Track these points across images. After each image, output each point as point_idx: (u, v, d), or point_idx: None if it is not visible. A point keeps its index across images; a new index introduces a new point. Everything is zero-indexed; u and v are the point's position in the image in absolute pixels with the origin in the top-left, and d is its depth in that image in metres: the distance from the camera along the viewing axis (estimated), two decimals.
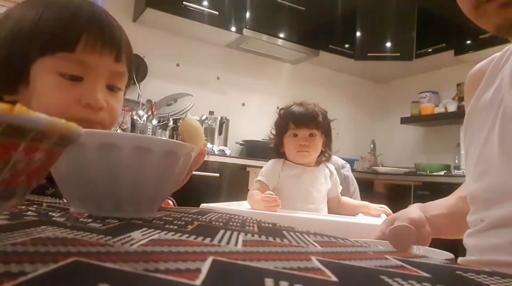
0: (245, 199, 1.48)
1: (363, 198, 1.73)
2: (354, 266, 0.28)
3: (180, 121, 2.72)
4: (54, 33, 0.54)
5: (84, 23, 0.56)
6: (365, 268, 0.27)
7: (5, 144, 0.22)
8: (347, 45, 3.42)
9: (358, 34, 3.44)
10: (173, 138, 2.74)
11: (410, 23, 3.29)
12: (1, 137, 0.22)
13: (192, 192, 2.31)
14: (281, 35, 3.11)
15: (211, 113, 3.03)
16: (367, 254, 0.32)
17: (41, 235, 0.27)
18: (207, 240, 0.31)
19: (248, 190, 1.69)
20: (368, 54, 3.41)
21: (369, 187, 3.12)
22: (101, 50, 0.56)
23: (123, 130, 2.51)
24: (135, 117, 2.63)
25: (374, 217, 1.38)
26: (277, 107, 3.30)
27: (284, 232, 0.40)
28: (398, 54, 3.34)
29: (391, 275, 0.26)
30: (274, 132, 1.56)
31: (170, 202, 1.23)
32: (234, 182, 2.56)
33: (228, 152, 2.84)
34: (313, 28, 3.25)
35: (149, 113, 2.70)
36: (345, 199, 1.61)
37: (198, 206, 1.06)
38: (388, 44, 3.39)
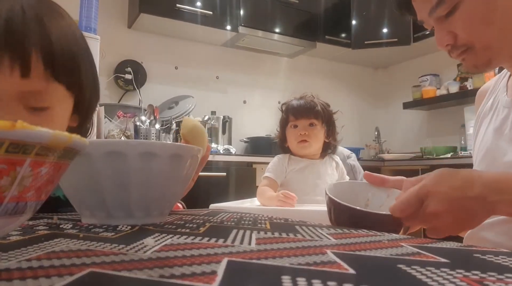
0: (253, 196, 1.48)
1: None
2: (370, 256, 0.27)
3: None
4: None
5: None
6: (381, 257, 0.27)
7: (10, 161, 0.22)
8: (343, 35, 3.40)
9: (353, 22, 3.41)
10: (177, 141, 2.74)
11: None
12: (5, 154, 0.22)
13: (200, 193, 2.32)
14: (277, 30, 3.10)
15: (213, 113, 3.02)
16: (382, 242, 0.32)
17: (54, 248, 0.27)
18: (220, 241, 0.30)
19: (256, 187, 1.69)
20: (365, 42, 3.38)
21: None
22: None
23: (127, 136, 2.52)
24: (137, 123, 2.63)
25: None
26: (279, 102, 3.31)
27: (297, 227, 0.39)
28: (396, 40, 3.31)
29: (408, 263, 0.26)
30: (279, 126, 1.57)
31: (180, 205, 1.23)
32: (241, 180, 2.56)
33: (233, 150, 2.84)
34: (308, 20, 3.23)
35: (151, 117, 2.70)
36: None
37: (207, 207, 1.06)
38: (385, 30, 3.36)
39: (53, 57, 0.45)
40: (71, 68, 0.49)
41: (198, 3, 2.80)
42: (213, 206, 1.13)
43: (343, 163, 1.63)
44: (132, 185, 0.41)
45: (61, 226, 0.39)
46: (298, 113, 1.47)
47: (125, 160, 0.39)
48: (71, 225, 0.40)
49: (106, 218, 0.42)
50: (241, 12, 2.95)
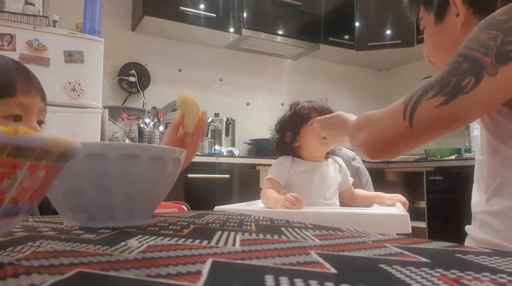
0: (257, 198, 1.48)
1: (375, 188, 1.72)
2: (353, 256, 0.28)
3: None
4: None
5: (17, 73, 0.67)
6: (364, 258, 0.28)
7: (12, 164, 0.23)
8: (346, 36, 3.39)
9: (357, 24, 3.41)
10: None
11: (403, 10, 3.24)
12: (7, 158, 0.23)
13: (204, 195, 2.33)
14: (280, 32, 3.10)
15: (216, 115, 3.04)
16: (366, 243, 0.33)
17: (40, 249, 0.28)
18: (204, 243, 0.31)
19: (260, 188, 1.69)
20: (369, 44, 3.37)
21: (380, 177, 3.10)
22: (33, 93, 0.67)
23: (131, 139, 2.53)
24: (141, 125, 2.65)
25: (389, 206, 1.37)
26: (282, 104, 3.32)
27: (282, 229, 0.40)
28: (399, 41, 3.30)
29: (390, 262, 0.26)
30: (285, 126, 1.54)
31: (184, 207, 1.24)
32: (245, 182, 2.56)
33: (236, 152, 2.85)
34: (312, 22, 3.24)
35: (155, 120, 2.72)
36: (358, 191, 1.60)
37: (212, 209, 1.06)
38: (388, 32, 3.35)
39: (44, 94, 0.72)
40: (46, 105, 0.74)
41: (202, 6, 2.81)
42: (217, 208, 1.14)
43: (348, 164, 1.63)
44: (113, 187, 0.41)
45: (38, 229, 0.40)
46: (322, 111, 1.46)
47: (106, 162, 0.40)
48: (48, 228, 0.41)
49: (88, 221, 0.42)
50: (244, 14, 2.96)
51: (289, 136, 1.52)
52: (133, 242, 0.31)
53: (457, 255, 0.29)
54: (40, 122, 0.70)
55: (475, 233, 0.78)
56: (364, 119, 0.83)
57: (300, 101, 1.56)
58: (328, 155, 1.54)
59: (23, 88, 0.65)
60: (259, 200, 1.46)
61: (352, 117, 0.95)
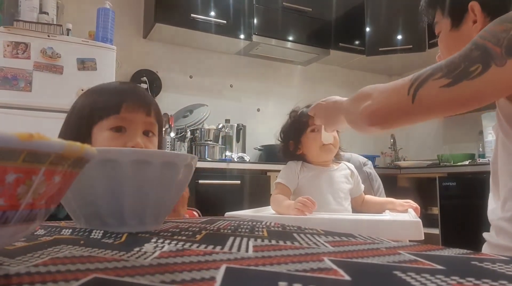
0: (268, 204, 1.47)
1: (387, 194, 1.71)
2: (366, 263, 0.28)
3: (197, 131, 2.76)
4: (107, 106, 0.80)
5: (123, 95, 0.81)
6: (377, 264, 0.27)
7: (27, 170, 0.23)
8: (357, 42, 3.39)
9: (367, 29, 3.40)
10: (191, 148, 2.77)
11: (419, 13, 3.23)
12: (22, 163, 0.23)
13: (215, 201, 2.33)
14: (290, 38, 3.11)
15: (227, 121, 3.05)
16: (380, 250, 0.32)
17: (58, 254, 0.28)
18: (218, 248, 0.31)
19: (270, 194, 1.68)
20: (380, 49, 3.35)
21: (392, 183, 3.07)
22: (136, 110, 0.80)
23: None
24: None
25: (400, 212, 1.36)
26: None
27: (294, 235, 0.40)
28: (410, 46, 3.28)
29: (404, 269, 0.26)
30: (287, 135, 1.54)
31: (195, 213, 1.24)
32: (256, 188, 2.56)
33: (247, 158, 2.85)
34: (322, 28, 3.24)
35: (166, 126, 2.74)
36: (368, 197, 1.58)
37: (222, 214, 1.06)
38: (399, 37, 3.33)
39: (156, 109, 0.84)
40: (160, 119, 0.87)
41: (212, 13, 2.84)
42: (228, 214, 1.14)
43: (359, 170, 1.61)
44: (125, 193, 0.42)
45: (61, 233, 0.41)
46: None
47: (118, 168, 0.40)
48: (70, 232, 0.41)
49: (100, 226, 0.43)
50: (255, 20, 2.98)
51: (291, 144, 1.52)
52: (148, 246, 0.31)
53: (473, 262, 0.28)
54: (148, 132, 0.82)
55: (493, 239, 0.78)
56: (369, 88, 0.86)
57: (299, 107, 1.55)
58: (337, 160, 1.53)
59: (127, 106, 0.79)
60: (269, 207, 1.45)
61: (344, 99, 0.97)
